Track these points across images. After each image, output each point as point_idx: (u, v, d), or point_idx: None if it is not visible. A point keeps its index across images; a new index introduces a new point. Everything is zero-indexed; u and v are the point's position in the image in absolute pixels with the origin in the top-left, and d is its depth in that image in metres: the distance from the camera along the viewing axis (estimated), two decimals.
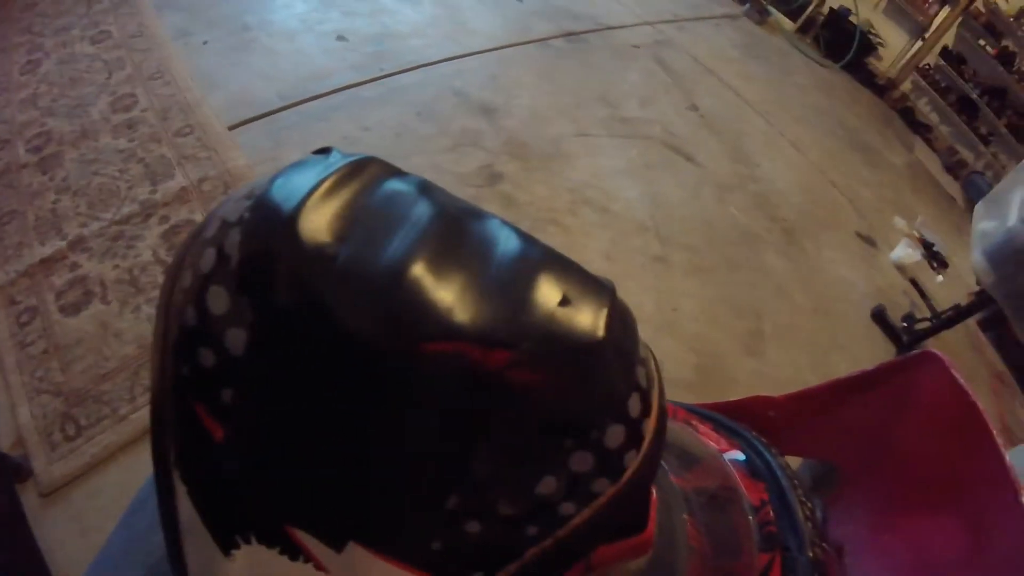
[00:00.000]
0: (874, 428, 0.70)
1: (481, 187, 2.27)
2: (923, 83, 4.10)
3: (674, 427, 0.60)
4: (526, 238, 0.32)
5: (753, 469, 0.56)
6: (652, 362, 0.33)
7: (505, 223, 0.33)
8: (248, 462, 0.29)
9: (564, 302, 0.29)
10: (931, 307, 2.55)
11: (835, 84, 3.79)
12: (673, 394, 1.54)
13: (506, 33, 3.00)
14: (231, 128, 2.28)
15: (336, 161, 0.32)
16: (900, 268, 2.75)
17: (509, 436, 0.27)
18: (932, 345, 2.39)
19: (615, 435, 0.29)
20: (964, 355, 2.51)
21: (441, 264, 0.28)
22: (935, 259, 2.84)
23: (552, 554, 0.30)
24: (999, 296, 1.97)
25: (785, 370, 2.12)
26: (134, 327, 1.76)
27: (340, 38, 2.75)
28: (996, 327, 2.27)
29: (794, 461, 0.76)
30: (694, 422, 0.63)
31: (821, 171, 2.98)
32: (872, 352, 2.34)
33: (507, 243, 0.31)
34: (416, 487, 0.28)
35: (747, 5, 3.91)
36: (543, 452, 0.28)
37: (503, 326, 0.27)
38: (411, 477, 0.28)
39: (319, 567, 0.31)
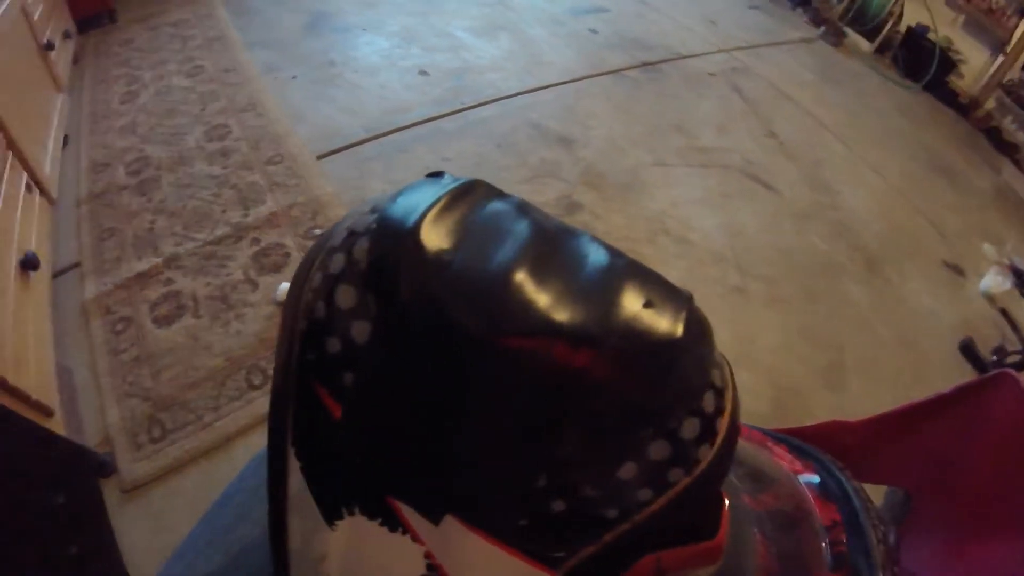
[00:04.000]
0: (948, 451, 0.71)
1: (561, 217, 2.30)
2: (1007, 100, 3.92)
3: (748, 447, 0.62)
4: (613, 251, 0.37)
5: (826, 490, 0.57)
6: (727, 367, 0.37)
7: (594, 239, 0.38)
8: (361, 439, 0.34)
9: (647, 305, 0.33)
10: (1022, 339, 2.45)
11: (915, 105, 3.68)
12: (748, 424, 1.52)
13: (581, 65, 3.05)
14: (319, 158, 2.40)
15: (448, 183, 0.37)
16: (989, 298, 2.64)
17: (593, 423, 0.31)
18: None
19: (691, 427, 0.32)
20: None
21: (539, 271, 0.33)
22: None
23: (627, 540, 0.33)
24: None
25: (866, 405, 2.06)
26: (223, 341, 1.87)
27: (422, 73, 2.86)
28: None
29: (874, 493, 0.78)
30: (769, 444, 0.65)
31: (904, 197, 2.91)
32: None
33: (596, 255, 0.36)
34: (509, 466, 0.32)
35: (823, 28, 3.86)
36: (624, 439, 0.32)
37: (592, 326, 0.31)
38: (505, 456, 0.32)
39: (415, 538, 0.35)
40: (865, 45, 3.92)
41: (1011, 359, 2.29)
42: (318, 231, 2.13)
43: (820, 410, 2.01)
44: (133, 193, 2.26)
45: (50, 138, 2.11)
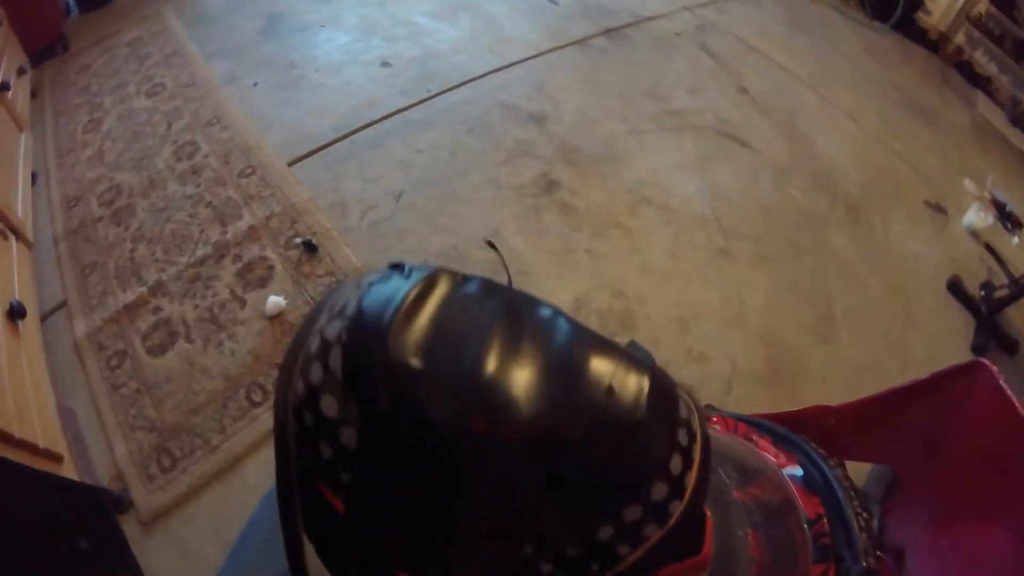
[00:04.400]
0: (929, 434, 0.74)
1: (539, 196, 2.30)
2: (976, 34, 3.91)
3: (736, 443, 0.66)
4: (575, 326, 0.39)
5: (810, 483, 0.61)
6: (694, 416, 0.39)
7: (557, 311, 0.40)
8: (365, 527, 0.37)
9: (609, 391, 0.35)
10: (1008, 273, 2.45)
11: (886, 46, 3.66)
12: (745, 387, 1.59)
13: (545, 39, 3.01)
14: (290, 164, 2.37)
15: (412, 278, 0.38)
16: (973, 234, 2.65)
17: (571, 497, 0.34)
18: (1017, 316, 2.31)
19: (660, 490, 0.35)
20: None
21: (507, 361, 0.35)
22: (1009, 220, 2.72)
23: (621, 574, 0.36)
24: None
25: (859, 354, 2.09)
26: (218, 361, 1.87)
27: (384, 64, 2.82)
28: None
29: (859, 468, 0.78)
30: (754, 436, 0.68)
31: (880, 141, 2.90)
32: (951, 326, 2.27)
33: (559, 332, 0.38)
34: (500, 539, 0.35)
35: None
36: (600, 507, 0.35)
37: (564, 413, 0.34)
38: (496, 532, 0.35)
39: None
40: None
41: (999, 293, 2.31)
42: (298, 240, 2.11)
43: (814, 363, 2.03)
44: (109, 224, 2.23)
45: (18, 180, 2.09)
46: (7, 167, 2.06)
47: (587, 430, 0.34)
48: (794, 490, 0.59)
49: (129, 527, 1.56)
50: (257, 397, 1.81)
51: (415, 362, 0.34)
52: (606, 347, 0.38)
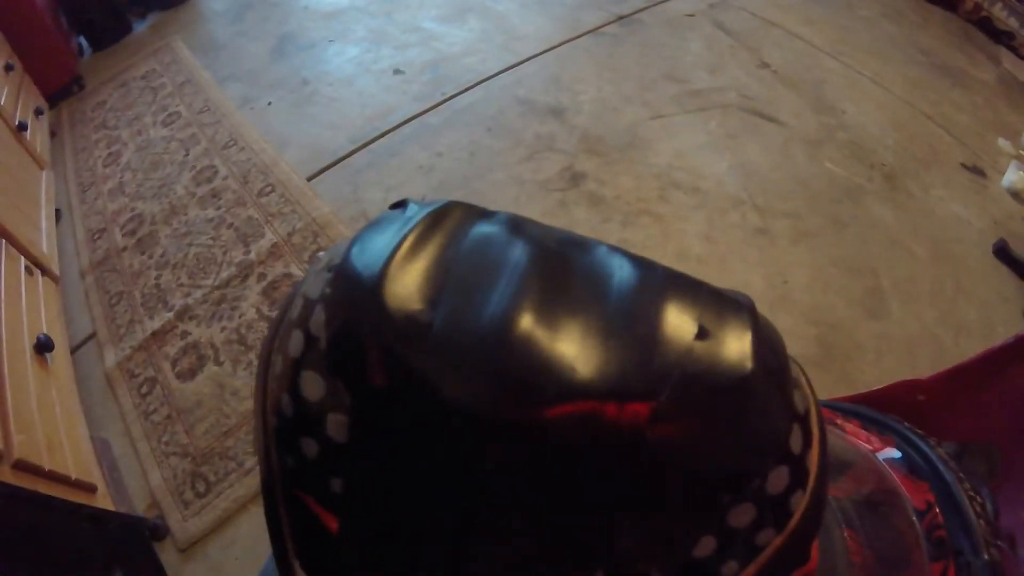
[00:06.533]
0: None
1: (566, 190, 2.26)
2: None
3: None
4: (641, 263, 0.28)
5: (913, 467, 0.52)
6: (804, 380, 0.30)
7: (614, 249, 0.29)
8: (368, 551, 0.27)
9: (701, 334, 0.25)
10: None
11: (903, 8, 3.56)
12: None
13: (557, 31, 2.97)
14: (310, 179, 2.36)
15: (414, 214, 0.29)
16: (1014, 194, 2.55)
17: (656, 501, 0.24)
18: None
19: (779, 479, 0.26)
20: None
21: (551, 311, 0.25)
22: None
23: None
24: None
25: (911, 327, 2.01)
26: (249, 383, 1.87)
27: (397, 72, 2.80)
28: None
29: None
30: (839, 421, 0.60)
31: (910, 104, 2.81)
32: (1001, 291, 2.18)
33: (621, 273, 0.27)
34: (550, 565, 0.25)
35: None
36: (697, 512, 0.25)
37: (636, 374, 0.24)
38: (547, 557, 0.25)
39: None
40: None
41: None
42: (323, 253, 2.08)
43: (867, 339, 1.96)
44: (133, 253, 2.25)
45: (42, 217, 2.10)
46: (30, 206, 2.07)
47: (672, 399, 0.23)
48: (896, 478, 0.50)
49: (167, 554, 1.56)
50: None
51: (421, 315, 0.24)
52: (688, 283, 0.28)
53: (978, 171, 2.61)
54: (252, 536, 1.60)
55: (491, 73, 2.72)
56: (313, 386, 0.26)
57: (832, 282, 2.08)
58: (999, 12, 3.85)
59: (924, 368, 1.90)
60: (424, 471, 0.24)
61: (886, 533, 0.46)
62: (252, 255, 2.16)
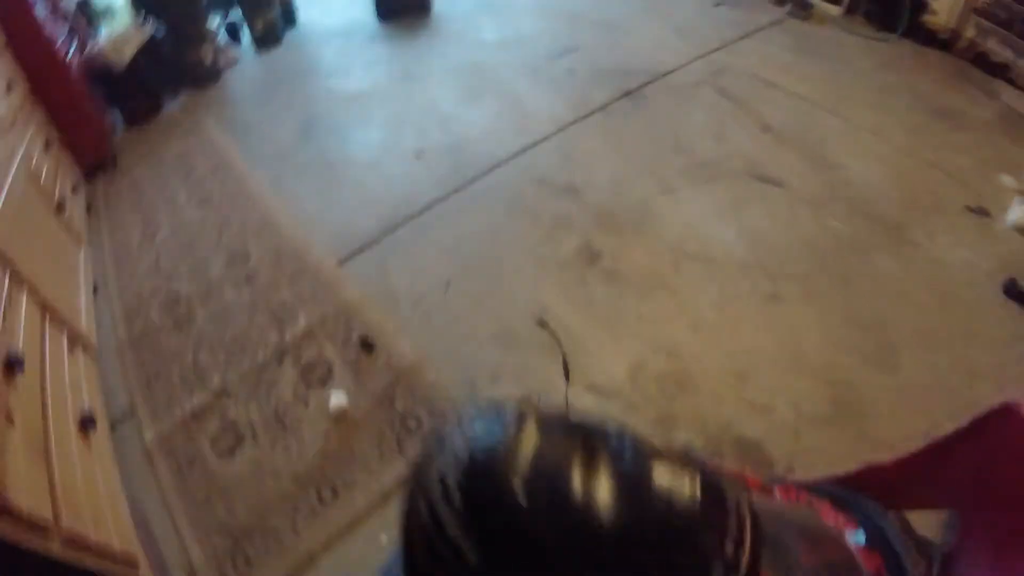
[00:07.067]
0: (979, 476, 0.78)
1: (583, 267, 2.39)
2: (986, 23, 3.90)
3: (799, 509, 0.71)
4: (636, 442, 0.47)
5: (871, 540, 0.66)
6: (744, 503, 0.46)
7: (622, 431, 0.48)
8: None
9: (670, 498, 0.43)
10: None
11: (898, 56, 3.67)
12: (813, 433, 1.73)
13: (567, 110, 3.14)
14: (340, 263, 2.50)
15: (504, 421, 0.47)
16: (1020, 229, 2.61)
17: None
18: None
19: (717, 570, 0.42)
20: None
21: (589, 485, 0.42)
22: None
23: None
24: None
25: (924, 378, 2.08)
26: (287, 463, 1.94)
27: (418, 156, 2.97)
28: None
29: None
30: (814, 504, 0.73)
31: (911, 153, 2.90)
32: (1013, 330, 2.23)
33: (626, 450, 0.46)
34: None
35: (788, 5, 3.89)
36: None
37: (636, 523, 0.41)
38: None
39: None
40: (834, 10, 3.93)
41: None
42: (355, 335, 2.24)
43: (880, 395, 2.02)
44: (171, 332, 2.36)
45: (80, 292, 2.20)
46: (69, 281, 2.16)
47: (657, 530, 0.42)
48: (854, 550, 0.65)
49: None
50: (327, 495, 1.87)
51: (522, 501, 0.42)
52: (663, 458, 0.46)
53: (982, 212, 2.68)
54: None
55: (508, 155, 2.89)
56: (455, 532, 0.42)
57: (844, 340, 2.17)
58: (994, 46, 3.93)
59: (940, 418, 1.99)
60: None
61: None
62: (287, 337, 2.27)
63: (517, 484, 0.42)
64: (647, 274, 2.35)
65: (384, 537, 1.80)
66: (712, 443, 1.95)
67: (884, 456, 0.87)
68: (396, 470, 1.92)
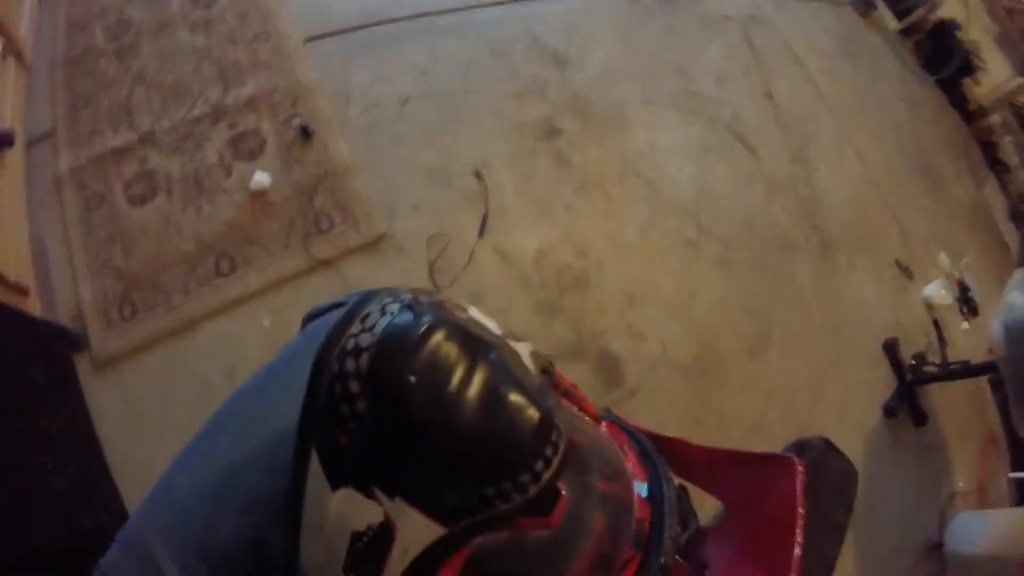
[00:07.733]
0: (750, 489, 0.95)
1: (538, 139, 2.31)
2: (1013, 121, 3.91)
3: (612, 448, 0.83)
4: (507, 368, 0.60)
5: (651, 494, 0.80)
6: (563, 441, 0.59)
7: (501, 357, 0.61)
8: (357, 454, 0.57)
9: (514, 420, 0.57)
10: (944, 354, 2.53)
11: (922, 99, 3.62)
12: (668, 374, 1.73)
13: None
14: (307, 41, 2.31)
15: (422, 321, 0.58)
16: (928, 306, 2.70)
17: (480, 467, 0.56)
18: (936, 392, 2.40)
19: (524, 477, 0.56)
20: (963, 409, 2.51)
21: (464, 387, 0.56)
22: (967, 305, 2.75)
23: (493, 515, 0.56)
24: (1006, 374, 1.91)
25: (779, 379, 2.18)
26: (195, 225, 1.89)
27: None
28: (1004, 391, 2.24)
29: None
30: (626, 448, 0.87)
31: (879, 189, 2.91)
32: (871, 382, 2.36)
33: (497, 371, 0.59)
34: (442, 479, 0.56)
35: None
36: (489, 477, 0.55)
37: (487, 428, 0.56)
38: (441, 475, 0.56)
39: (379, 503, 0.58)
40: (893, 23, 3.80)
41: (928, 368, 2.39)
42: (297, 120, 2.10)
43: (738, 375, 2.12)
44: (111, 59, 2.17)
45: None
46: None
47: (499, 437, 0.56)
48: (635, 497, 0.77)
49: (82, 367, 1.64)
50: (225, 267, 1.84)
51: (413, 380, 0.54)
52: (520, 389, 0.58)
53: (907, 272, 2.74)
54: (164, 368, 1.70)
55: None
56: (354, 387, 0.55)
57: (731, 313, 2.22)
58: (1007, 144, 3.96)
59: (773, 415, 2.08)
60: (397, 432, 0.55)
61: (619, 525, 0.71)
62: (229, 100, 2.12)
63: (414, 365, 0.55)
64: (593, 172, 2.30)
65: (267, 322, 1.79)
66: (580, 343, 2.00)
67: (697, 440, 1.02)
68: (296, 262, 1.88)
